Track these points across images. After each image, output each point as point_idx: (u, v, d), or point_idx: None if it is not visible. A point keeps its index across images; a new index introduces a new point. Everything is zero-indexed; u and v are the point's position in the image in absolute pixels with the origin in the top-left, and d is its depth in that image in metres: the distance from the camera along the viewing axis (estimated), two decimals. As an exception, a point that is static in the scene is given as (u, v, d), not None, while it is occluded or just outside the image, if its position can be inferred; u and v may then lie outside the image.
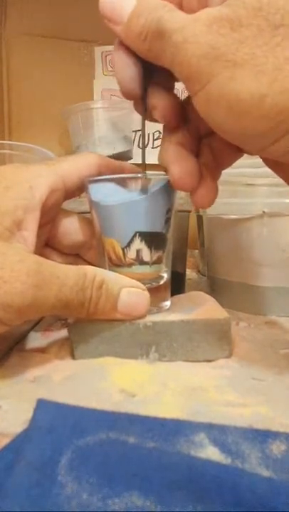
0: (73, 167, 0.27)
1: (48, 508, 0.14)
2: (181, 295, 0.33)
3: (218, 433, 0.18)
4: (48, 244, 0.29)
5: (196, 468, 0.16)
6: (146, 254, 0.27)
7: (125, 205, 0.26)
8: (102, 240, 0.27)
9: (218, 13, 0.18)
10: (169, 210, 0.27)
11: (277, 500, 0.14)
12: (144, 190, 0.26)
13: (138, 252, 0.26)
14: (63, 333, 0.31)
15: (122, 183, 0.26)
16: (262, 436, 0.18)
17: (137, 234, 0.26)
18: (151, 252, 0.27)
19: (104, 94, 0.77)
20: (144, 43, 0.21)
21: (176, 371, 0.25)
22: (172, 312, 0.28)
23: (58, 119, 0.71)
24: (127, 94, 0.24)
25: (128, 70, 0.23)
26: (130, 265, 0.27)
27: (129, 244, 0.26)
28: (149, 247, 0.27)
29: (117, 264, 0.27)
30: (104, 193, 0.26)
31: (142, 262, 0.27)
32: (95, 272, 0.25)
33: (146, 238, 0.26)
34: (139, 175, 0.27)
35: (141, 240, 0.26)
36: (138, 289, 0.26)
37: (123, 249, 0.26)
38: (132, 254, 0.26)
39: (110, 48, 0.76)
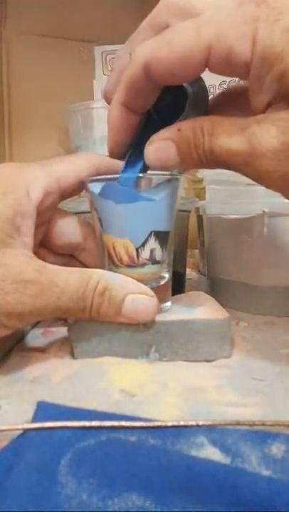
0: (70, 168, 0.27)
1: (48, 508, 0.14)
2: (181, 295, 0.33)
3: (218, 434, 0.18)
4: (42, 244, 0.29)
5: (196, 468, 0.16)
6: (159, 254, 0.27)
7: (141, 205, 0.25)
8: (112, 241, 0.27)
9: None
10: (175, 209, 0.27)
11: (277, 500, 0.14)
12: (151, 189, 0.26)
13: (152, 251, 0.26)
14: (63, 331, 0.31)
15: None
16: (262, 437, 0.18)
17: (152, 233, 0.26)
18: (162, 251, 0.27)
19: (104, 94, 0.76)
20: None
21: (176, 371, 0.25)
22: (172, 312, 0.28)
23: (58, 119, 0.71)
24: (112, 154, 0.26)
25: (123, 135, 0.25)
26: (143, 265, 0.26)
27: (143, 244, 0.26)
28: (162, 246, 0.27)
29: (129, 265, 0.27)
30: (115, 193, 0.26)
31: (154, 262, 0.27)
32: (99, 277, 0.24)
33: (160, 237, 0.26)
34: (141, 174, 0.27)
35: (155, 240, 0.26)
36: (146, 295, 0.25)
37: (137, 250, 0.26)
38: (145, 254, 0.26)
39: (110, 47, 0.77)
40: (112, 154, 0.27)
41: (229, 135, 0.20)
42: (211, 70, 0.21)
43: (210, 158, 0.21)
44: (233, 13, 0.19)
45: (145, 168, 0.26)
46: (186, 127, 0.22)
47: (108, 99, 0.26)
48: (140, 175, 0.26)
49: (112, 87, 0.25)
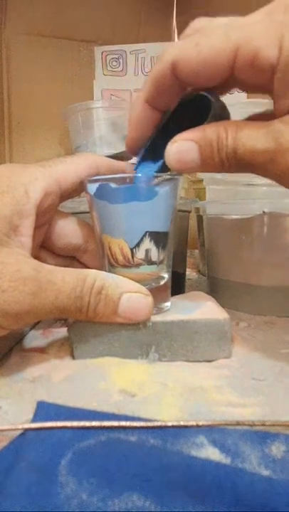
0: (70, 169, 0.27)
1: (48, 508, 0.14)
2: (181, 295, 0.33)
3: (217, 434, 0.18)
4: (43, 246, 0.29)
5: (195, 468, 0.16)
6: (155, 254, 0.27)
7: (136, 206, 0.25)
8: (108, 241, 0.27)
9: None
10: (174, 210, 0.27)
11: (277, 500, 0.14)
12: (149, 189, 0.26)
13: (147, 251, 0.26)
14: (63, 332, 0.31)
15: (127, 182, 0.26)
16: (262, 437, 0.18)
17: (147, 233, 0.26)
18: (158, 251, 0.27)
19: (104, 94, 0.77)
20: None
21: (176, 371, 0.25)
22: (172, 312, 0.28)
23: (58, 119, 0.71)
24: (128, 149, 0.27)
25: (142, 131, 0.25)
26: (138, 265, 0.26)
27: (138, 245, 0.26)
28: (158, 246, 0.27)
29: (124, 265, 0.27)
30: (110, 193, 0.26)
31: (150, 262, 0.27)
32: (95, 276, 0.25)
33: (155, 238, 0.26)
34: (139, 174, 0.26)
35: (150, 240, 0.26)
36: (141, 293, 0.25)
37: (132, 250, 0.26)
38: (140, 254, 0.26)
39: (110, 47, 0.77)
40: (128, 148, 0.27)
41: (254, 135, 0.21)
42: (236, 74, 0.21)
43: (232, 160, 0.22)
44: (261, 20, 0.20)
45: (163, 170, 0.26)
46: (210, 129, 0.22)
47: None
48: (135, 175, 0.26)
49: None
